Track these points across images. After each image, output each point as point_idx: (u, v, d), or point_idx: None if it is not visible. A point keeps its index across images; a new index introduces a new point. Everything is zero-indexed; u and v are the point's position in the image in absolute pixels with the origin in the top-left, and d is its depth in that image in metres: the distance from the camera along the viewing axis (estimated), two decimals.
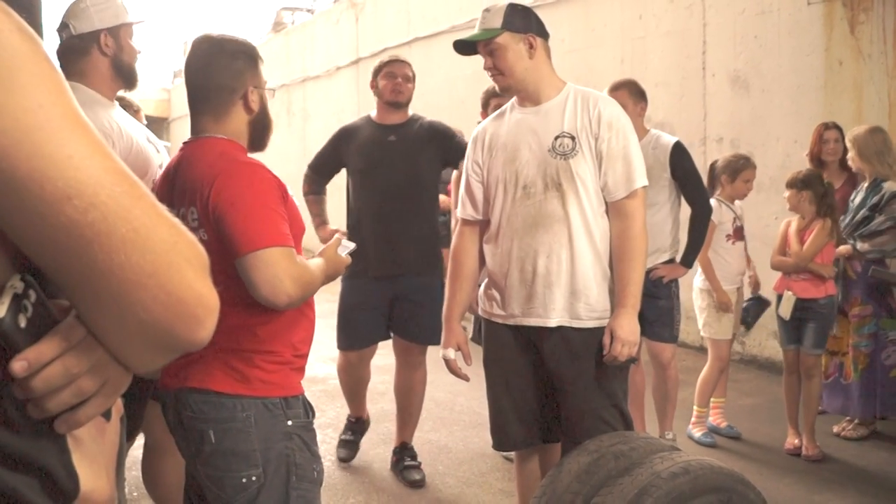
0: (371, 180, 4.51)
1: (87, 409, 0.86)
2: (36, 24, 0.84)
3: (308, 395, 2.51)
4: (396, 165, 4.46)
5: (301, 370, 2.46)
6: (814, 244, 4.83)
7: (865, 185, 5.01)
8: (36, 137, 0.77)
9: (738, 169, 5.06)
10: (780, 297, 4.98)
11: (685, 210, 4.72)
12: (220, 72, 2.40)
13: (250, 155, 2.47)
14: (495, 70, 3.12)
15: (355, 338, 4.60)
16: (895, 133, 5.59)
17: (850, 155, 5.06)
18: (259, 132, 2.50)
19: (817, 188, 4.85)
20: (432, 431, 5.36)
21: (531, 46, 3.09)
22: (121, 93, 3.39)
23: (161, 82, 27.96)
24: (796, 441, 4.92)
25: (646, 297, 4.49)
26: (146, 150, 3.16)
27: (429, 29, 11.15)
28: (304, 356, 2.46)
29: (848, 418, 5.22)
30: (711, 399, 5.23)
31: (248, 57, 2.45)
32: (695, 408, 5.21)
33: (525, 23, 3.10)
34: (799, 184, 4.87)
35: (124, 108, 4.11)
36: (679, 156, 4.61)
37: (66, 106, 0.81)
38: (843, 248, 4.98)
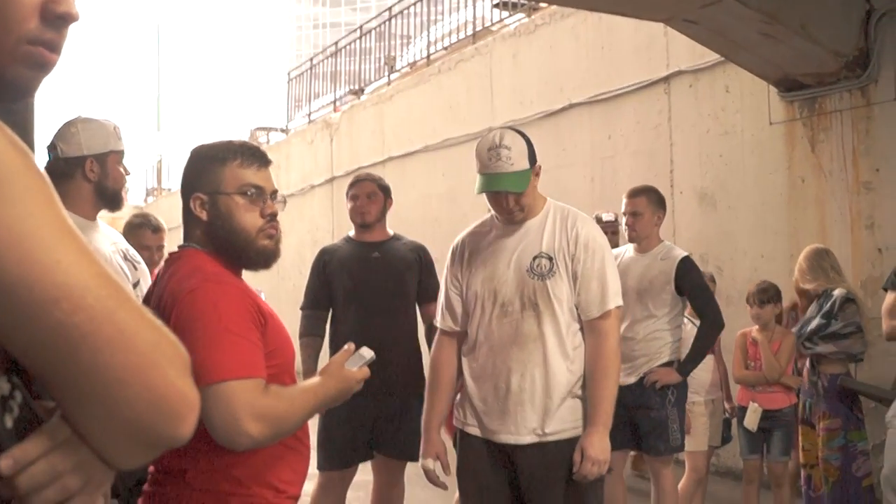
0: (357, 299, 4.42)
1: None
2: (29, 141, 0.89)
3: None
4: (382, 283, 4.41)
5: None
6: (786, 356, 4.92)
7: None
8: (26, 244, 0.81)
9: None
10: (743, 409, 5.02)
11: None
12: (184, 175, 2.26)
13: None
14: (518, 206, 3.11)
15: (337, 458, 4.38)
16: (859, 246, 5.74)
17: (796, 276, 5.19)
18: (220, 241, 2.19)
19: (780, 301, 5.02)
20: None
21: (537, 174, 3.15)
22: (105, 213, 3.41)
23: (134, 200, 28.12)
24: None
25: (639, 409, 4.51)
26: (116, 271, 3.17)
27: (403, 148, 11.39)
28: (293, 497, 2.16)
29: None
30: None
31: (206, 160, 2.23)
32: None
33: (534, 153, 3.14)
34: (774, 297, 5.00)
35: (145, 225, 4.29)
36: (686, 270, 4.61)
37: (56, 215, 0.86)
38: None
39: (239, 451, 2.00)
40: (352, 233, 4.65)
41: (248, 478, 2.06)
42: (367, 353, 2.24)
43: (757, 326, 5.08)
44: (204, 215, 2.18)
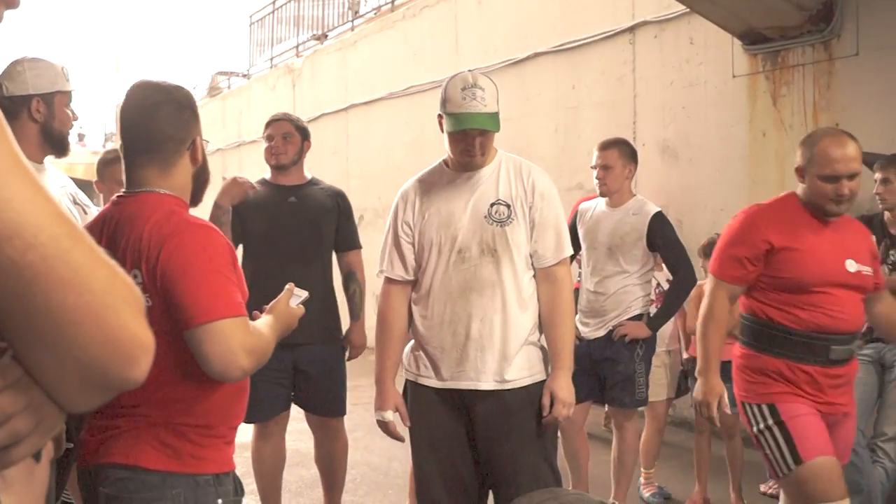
0: (272, 243, 4.27)
1: (19, 449, 0.86)
2: None
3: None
4: (299, 228, 4.28)
5: (232, 443, 2.30)
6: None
7: None
8: None
9: None
10: (695, 360, 5.07)
11: None
12: (171, 121, 2.25)
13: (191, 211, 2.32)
14: (481, 150, 3.12)
15: (258, 409, 4.06)
16: None
17: None
18: (200, 185, 2.36)
19: None
20: (367, 496, 5.29)
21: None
22: (51, 159, 3.32)
23: (91, 145, 27.67)
24: (697, 499, 5.04)
25: (607, 362, 4.52)
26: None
27: (366, 95, 11.28)
28: (236, 429, 2.32)
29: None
30: None
31: (193, 105, 2.35)
32: (642, 469, 5.26)
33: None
34: None
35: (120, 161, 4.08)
36: (659, 225, 4.55)
37: (7, 151, 0.83)
38: None
39: (207, 386, 2.13)
40: (268, 175, 4.50)
41: (208, 411, 2.18)
42: (302, 293, 2.41)
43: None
44: (200, 160, 2.31)
